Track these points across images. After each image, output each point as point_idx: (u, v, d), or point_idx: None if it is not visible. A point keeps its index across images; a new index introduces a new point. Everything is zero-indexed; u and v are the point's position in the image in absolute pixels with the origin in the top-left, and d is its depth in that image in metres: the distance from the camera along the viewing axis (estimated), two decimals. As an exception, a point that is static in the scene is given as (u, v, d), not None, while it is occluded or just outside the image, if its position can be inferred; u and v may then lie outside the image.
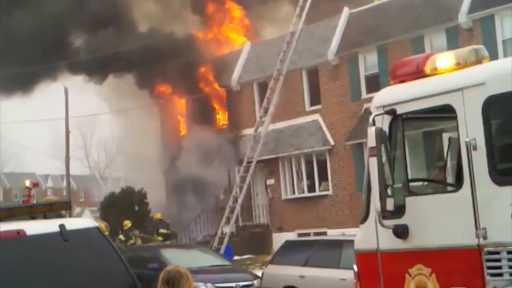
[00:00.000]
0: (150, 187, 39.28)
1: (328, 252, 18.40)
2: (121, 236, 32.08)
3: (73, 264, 8.73)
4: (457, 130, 8.10)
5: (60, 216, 9.57)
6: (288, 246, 20.34)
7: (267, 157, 35.14)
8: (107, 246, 9.13)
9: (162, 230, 32.08)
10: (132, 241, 31.98)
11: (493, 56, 9.43)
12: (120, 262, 9.08)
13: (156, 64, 37.47)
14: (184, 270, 5.97)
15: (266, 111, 35.03)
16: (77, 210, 59.23)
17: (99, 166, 71.23)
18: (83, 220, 10.11)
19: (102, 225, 32.36)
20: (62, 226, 8.70)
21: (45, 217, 9.01)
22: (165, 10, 38.91)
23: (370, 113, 8.77)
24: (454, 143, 8.54)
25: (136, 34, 37.12)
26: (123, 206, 36.74)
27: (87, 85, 42.11)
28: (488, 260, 7.76)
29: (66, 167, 48.11)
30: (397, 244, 8.51)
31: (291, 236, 31.28)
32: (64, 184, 60.68)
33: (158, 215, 32.97)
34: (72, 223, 9.14)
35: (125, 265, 9.08)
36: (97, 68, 39.08)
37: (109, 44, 36.57)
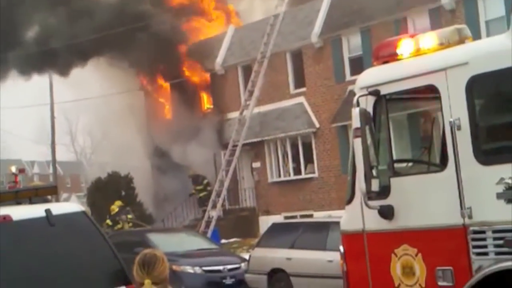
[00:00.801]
0: (137, 172, 39.23)
1: (315, 234, 18.46)
2: (108, 221, 32.08)
3: (60, 249, 8.71)
4: (441, 110, 8.13)
5: (46, 201, 9.55)
6: (275, 229, 20.37)
7: (253, 140, 35.14)
8: (93, 231, 9.12)
9: (107, 221, 32.05)
10: (119, 226, 31.98)
11: (476, 37, 9.44)
12: (107, 246, 9.07)
13: (140, 49, 37.32)
14: (160, 254, 6.20)
15: (251, 94, 35.00)
16: (64, 195, 59.08)
17: (85, 151, 71.08)
18: (69, 205, 10.09)
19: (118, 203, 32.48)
20: (48, 211, 8.67)
21: (31, 202, 8.99)
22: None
23: (354, 95, 8.79)
24: (438, 123, 8.57)
25: (119, 19, 36.92)
26: (110, 191, 36.70)
27: (72, 71, 41.90)
28: (473, 240, 7.81)
29: (52, 153, 48.05)
30: (382, 224, 8.54)
31: (278, 219, 31.31)
32: (51, 170, 60.52)
33: (117, 203, 32.78)
34: (58, 208, 9.11)
35: (112, 249, 9.07)
36: (81, 53, 38.89)
37: (92, 28, 36.40)
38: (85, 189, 39.52)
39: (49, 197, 9.97)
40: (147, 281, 6.00)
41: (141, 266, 6.10)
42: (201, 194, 35.29)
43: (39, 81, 42.79)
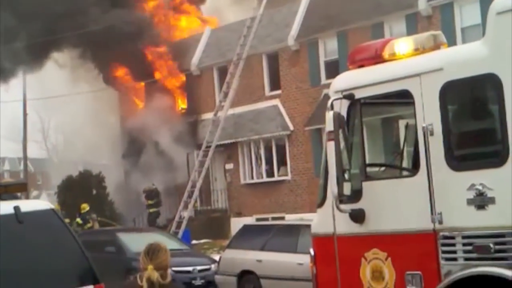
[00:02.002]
0: (108, 171, 39.09)
1: (286, 237, 18.45)
2: (79, 220, 31.91)
3: (28, 246, 8.64)
4: (415, 115, 8.15)
5: (16, 198, 9.45)
6: (246, 230, 20.34)
7: (226, 141, 35.10)
8: (62, 229, 9.05)
9: (78, 220, 31.91)
10: (89, 225, 31.82)
11: (452, 44, 9.48)
12: (76, 245, 9.01)
13: (116, 48, 37.18)
14: (163, 246, 7.07)
15: (225, 95, 34.96)
16: (34, 193, 58.72)
17: (57, 149, 70.60)
18: (38, 202, 10.00)
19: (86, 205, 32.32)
20: (16, 208, 8.60)
21: (0, 198, 8.89)
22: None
23: (329, 98, 8.78)
24: (412, 128, 8.59)
25: (94, 16, 36.76)
26: (81, 189, 36.53)
27: (45, 68, 41.66)
28: (443, 245, 7.83)
29: (24, 149, 47.72)
30: (353, 228, 8.55)
31: (249, 220, 31.31)
32: (22, 167, 60.14)
33: (84, 206, 32.63)
34: (27, 205, 9.03)
35: (80, 248, 9.01)
36: (54, 50, 38.71)
37: (66, 26, 36.20)
38: (56, 187, 39.20)
39: (19, 194, 9.87)
40: (150, 267, 6.85)
41: (146, 254, 6.98)
42: (151, 210, 34.90)
43: (11, 78, 42.43)
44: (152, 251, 7.00)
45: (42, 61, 39.66)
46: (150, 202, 35.05)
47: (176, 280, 7.37)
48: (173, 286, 7.39)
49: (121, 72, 39.99)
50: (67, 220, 29.48)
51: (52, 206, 9.32)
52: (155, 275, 6.85)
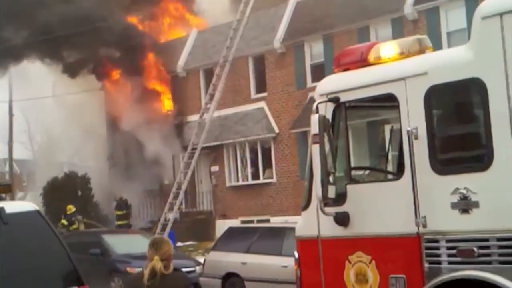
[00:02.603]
0: (94, 172, 39.02)
1: (270, 239, 18.48)
2: (64, 221, 31.83)
3: (13, 248, 8.62)
4: (399, 119, 8.17)
5: (0, 199, 9.43)
6: (231, 233, 20.35)
7: (212, 144, 35.08)
8: (47, 230, 9.04)
9: (63, 221, 31.76)
10: (75, 226, 31.76)
11: (438, 48, 9.52)
12: (60, 246, 9.00)
13: (102, 49, 37.12)
14: (166, 238, 7.87)
15: (211, 98, 34.94)
16: (19, 194, 58.46)
17: (42, 150, 70.26)
18: (23, 203, 10.00)
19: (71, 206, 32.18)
20: (1, 209, 8.59)
21: (-16, 200, 8.87)
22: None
23: (315, 101, 8.80)
24: (396, 132, 8.62)
25: (82, 17, 36.66)
26: (66, 191, 36.46)
27: (32, 68, 41.55)
28: (427, 248, 7.85)
29: (9, 150, 47.57)
30: (338, 231, 8.57)
31: (235, 223, 31.28)
32: (7, 168, 59.88)
33: (69, 207, 32.45)
34: (12, 206, 9.03)
35: (65, 249, 9.00)
36: (41, 51, 38.59)
37: (53, 26, 36.10)
38: (42, 188, 39.10)
39: (3, 195, 9.84)
40: (156, 258, 7.51)
41: (152, 246, 7.62)
42: (119, 222, 34.16)
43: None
44: (157, 243, 7.63)
45: (28, 61, 39.55)
46: (118, 213, 34.45)
47: (180, 270, 7.79)
48: (175, 275, 7.66)
49: (108, 73, 39.90)
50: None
51: (37, 208, 9.31)
52: (159, 265, 7.45)
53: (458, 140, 8.01)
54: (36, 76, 41.64)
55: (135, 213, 37.49)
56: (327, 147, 8.38)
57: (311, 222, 8.85)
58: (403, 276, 8.03)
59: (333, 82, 8.96)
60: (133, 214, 37.29)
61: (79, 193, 37.31)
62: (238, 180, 35.05)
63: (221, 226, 31.24)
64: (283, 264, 16.70)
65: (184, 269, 20.08)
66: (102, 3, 36.97)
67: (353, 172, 8.89)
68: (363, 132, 9.72)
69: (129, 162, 37.24)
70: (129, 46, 36.94)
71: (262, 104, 34.22)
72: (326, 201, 8.36)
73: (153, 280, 7.46)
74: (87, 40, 36.20)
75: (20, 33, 36.69)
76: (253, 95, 34.84)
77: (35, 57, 39.12)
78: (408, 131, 7.96)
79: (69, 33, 35.40)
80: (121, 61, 38.01)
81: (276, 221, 29.21)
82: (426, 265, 7.85)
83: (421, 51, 8.52)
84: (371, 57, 8.66)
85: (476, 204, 7.49)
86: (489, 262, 7.42)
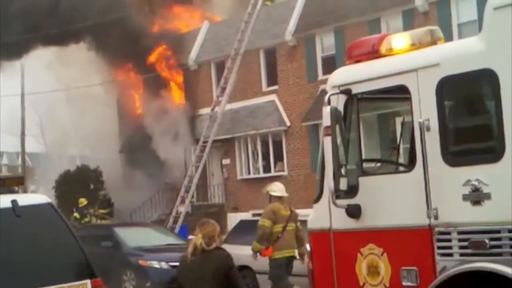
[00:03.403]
0: (106, 166, 39.07)
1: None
2: (76, 214, 31.89)
3: (26, 240, 8.67)
4: (411, 110, 8.14)
5: (13, 192, 9.48)
6: (243, 226, 20.34)
7: (223, 137, 35.08)
8: (60, 223, 9.07)
9: (75, 214, 31.66)
10: (87, 219, 31.81)
11: (449, 40, 9.47)
12: (73, 239, 9.03)
13: (114, 42, 37.14)
14: (212, 221, 8.71)
15: (223, 90, 34.92)
16: (32, 187, 58.61)
17: (55, 143, 70.34)
18: (36, 196, 10.02)
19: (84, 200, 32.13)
20: (14, 202, 8.62)
21: (-2, 192, 8.91)
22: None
23: (326, 94, 8.78)
24: (408, 123, 8.60)
25: (94, 11, 36.70)
26: (78, 184, 36.54)
27: (44, 62, 41.63)
28: (438, 240, 7.83)
29: (22, 144, 47.69)
30: (349, 223, 8.56)
31: (246, 216, 31.28)
32: (20, 161, 60.06)
33: (82, 200, 32.26)
34: (25, 199, 9.06)
35: (77, 242, 9.03)
36: (54, 43, 38.67)
37: (64, 19, 36.16)
38: (54, 182, 39.19)
39: (16, 188, 9.89)
40: (199, 236, 8.47)
41: (198, 226, 8.61)
42: (103, 222, 32.22)
43: (9, 71, 42.39)
44: (202, 224, 8.62)
45: (42, 53, 39.64)
46: (103, 211, 33.33)
47: (221, 248, 8.63)
48: (216, 253, 8.46)
49: (120, 66, 39.92)
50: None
51: (50, 200, 9.34)
52: (199, 241, 8.40)
53: (470, 132, 7.97)
54: (48, 69, 41.67)
55: (147, 206, 37.54)
56: (339, 139, 8.37)
57: (323, 215, 8.84)
58: (415, 268, 8.02)
59: (345, 74, 8.94)
60: (145, 207, 37.37)
61: (91, 186, 37.37)
62: (249, 173, 35.05)
63: (233, 219, 31.26)
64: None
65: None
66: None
67: (365, 164, 8.88)
68: (375, 124, 9.72)
69: (141, 156, 37.26)
70: (142, 39, 36.95)
71: (273, 97, 34.19)
72: (338, 194, 8.35)
73: (195, 255, 8.38)
74: (100, 32, 36.25)
75: (32, 25, 36.75)
76: (265, 88, 34.81)
77: (47, 48, 39.18)
78: (419, 123, 7.94)
79: (83, 25, 35.45)
80: (133, 54, 38.01)
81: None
82: (438, 257, 7.83)
83: (433, 42, 8.49)
84: (383, 49, 8.64)
85: (487, 196, 7.46)
86: (501, 254, 7.40)
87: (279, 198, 15.34)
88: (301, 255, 15.04)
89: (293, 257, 15.20)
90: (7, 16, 36.45)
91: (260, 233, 15.10)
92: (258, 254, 15.41)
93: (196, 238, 8.47)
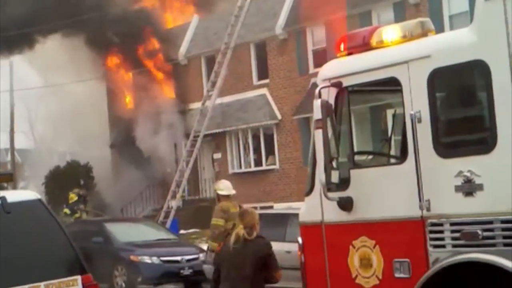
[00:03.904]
0: (96, 161, 39.00)
1: (274, 226, 18.38)
2: (66, 210, 31.77)
3: (15, 237, 8.63)
4: (403, 102, 8.12)
5: (2, 188, 9.43)
6: (234, 219, 20.28)
7: (214, 131, 35.06)
8: (49, 219, 9.03)
9: (65, 210, 31.29)
10: (77, 215, 31.70)
11: (440, 31, 9.44)
12: (63, 235, 8.99)
13: (103, 37, 37.05)
14: (251, 210, 9.38)
15: (213, 85, 34.87)
16: (21, 183, 58.52)
17: (44, 139, 70.21)
18: (25, 193, 9.98)
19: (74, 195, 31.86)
20: (3, 198, 8.57)
21: (-14, 189, 8.86)
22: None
23: (317, 87, 8.76)
24: (400, 116, 8.57)
25: (85, 5, 36.57)
26: (68, 180, 36.42)
27: (33, 57, 41.51)
28: (431, 232, 7.82)
29: (11, 140, 47.59)
30: (341, 216, 8.54)
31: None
32: (9, 157, 59.92)
33: (72, 196, 31.74)
34: (14, 196, 9.02)
35: (67, 238, 8.99)
36: (42, 39, 38.56)
37: (53, 13, 36.04)
38: (44, 178, 39.12)
39: (5, 184, 9.84)
40: (240, 226, 9.04)
41: (239, 216, 9.25)
42: (77, 215, 30.20)
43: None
44: (242, 214, 9.22)
45: (31, 49, 39.51)
46: (66, 210, 30.56)
47: (262, 236, 9.15)
48: (257, 241, 9.01)
49: (110, 61, 39.84)
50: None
51: (39, 197, 9.29)
52: (242, 232, 8.96)
53: (462, 123, 7.96)
54: (36, 65, 41.56)
55: (138, 201, 37.49)
56: (330, 132, 8.35)
57: (315, 208, 8.83)
58: (407, 260, 8.00)
59: (336, 67, 8.92)
60: (136, 202, 37.31)
61: (82, 182, 37.28)
62: (240, 167, 35.04)
63: (224, 213, 31.17)
64: (287, 250, 16.65)
65: (187, 257, 20.17)
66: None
67: (357, 157, 8.86)
68: (366, 116, 9.69)
69: (132, 151, 37.20)
70: (131, 33, 36.85)
71: (264, 90, 34.17)
72: (329, 186, 8.33)
73: (237, 244, 8.93)
74: (90, 27, 36.15)
75: (21, 19, 36.62)
76: (255, 81, 34.79)
77: (35, 44, 39.05)
78: (411, 115, 7.92)
79: (72, 20, 35.33)
80: (122, 49, 37.93)
81: (279, 207, 29.17)
82: (430, 248, 7.82)
83: (424, 34, 8.46)
84: (374, 41, 8.61)
85: (480, 187, 7.45)
86: (493, 245, 7.39)
87: (227, 196, 15.68)
88: None
89: None
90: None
91: (216, 232, 15.37)
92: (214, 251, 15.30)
93: (238, 229, 9.04)
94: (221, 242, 14.81)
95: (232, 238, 9.06)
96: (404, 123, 8.16)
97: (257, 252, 8.93)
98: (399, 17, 27.41)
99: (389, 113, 9.51)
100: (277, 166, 33.43)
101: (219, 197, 15.87)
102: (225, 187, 15.95)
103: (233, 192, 15.89)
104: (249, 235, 8.94)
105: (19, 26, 36.54)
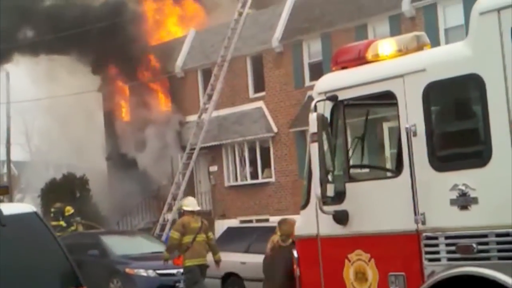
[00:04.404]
0: (92, 174, 38.97)
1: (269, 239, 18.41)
2: (62, 223, 31.69)
3: (11, 250, 8.59)
4: (398, 116, 8.14)
5: (-2, 201, 9.40)
6: (230, 233, 20.33)
7: (210, 144, 35.05)
8: (45, 232, 9.01)
9: (61, 223, 30.96)
10: (73, 228, 31.62)
11: (436, 45, 9.48)
12: (58, 248, 8.96)
13: (100, 50, 37.09)
14: (289, 219, 10.32)
15: (210, 97, 34.90)
16: (18, 196, 58.45)
17: (41, 151, 70.18)
18: (21, 205, 9.94)
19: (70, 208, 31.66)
20: (-1, 211, 8.55)
21: (-19, 201, 8.84)
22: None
23: (313, 100, 8.78)
24: (395, 129, 8.59)
25: (81, 18, 36.63)
26: (64, 192, 36.37)
27: (30, 69, 41.55)
28: (426, 245, 7.83)
29: (7, 152, 47.49)
30: (337, 229, 8.55)
31: (234, 223, 31.27)
32: (5, 170, 59.81)
33: (68, 209, 31.39)
34: (10, 208, 8.98)
35: (63, 251, 8.96)
36: (40, 51, 38.61)
37: (51, 27, 36.12)
38: (40, 190, 39.05)
39: (1, 197, 9.83)
40: (277, 234, 10.15)
41: (278, 224, 10.24)
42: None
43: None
44: (280, 223, 10.30)
45: (27, 61, 39.57)
46: (54, 223, 29.48)
47: None
48: (291, 247, 9.42)
49: (107, 73, 39.86)
50: (55, 223, 29.16)
51: (35, 209, 9.27)
52: (277, 238, 10.11)
53: (457, 137, 7.98)
54: (33, 77, 41.56)
55: (134, 214, 37.45)
56: (325, 145, 8.37)
57: (310, 221, 8.83)
58: (403, 273, 8.01)
59: (331, 80, 8.94)
60: (132, 215, 37.24)
61: (78, 194, 37.23)
62: (236, 180, 35.02)
63: (220, 226, 31.20)
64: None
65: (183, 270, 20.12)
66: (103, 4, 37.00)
67: (352, 170, 8.87)
68: (362, 130, 9.69)
69: (128, 163, 37.18)
70: (127, 46, 36.90)
71: (260, 103, 34.19)
72: (325, 200, 8.34)
73: (273, 250, 10.19)
74: (86, 39, 36.21)
75: (20, 33, 36.70)
76: (251, 94, 34.81)
77: (32, 57, 39.09)
78: (406, 128, 7.94)
79: (69, 33, 35.37)
80: (119, 61, 37.97)
81: (275, 220, 29.13)
82: (426, 262, 7.83)
83: (419, 48, 8.49)
84: (369, 55, 8.65)
85: (475, 200, 7.47)
86: (488, 258, 7.40)
87: (191, 212, 16.71)
88: (217, 262, 17.16)
89: (204, 265, 16.76)
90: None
91: (168, 244, 16.93)
92: (168, 261, 17.21)
93: (275, 236, 10.25)
94: (180, 255, 16.54)
95: (269, 245, 10.42)
96: (400, 136, 8.17)
97: (290, 258, 9.39)
98: (394, 30, 27.50)
99: (385, 126, 9.53)
100: (273, 179, 33.42)
101: (184, 212, 16.93)
102: (190, 203, 16.97)
103: (197, 208, 17.03)
104: (283, 242, 10.08)
105: (15, 38, 36.62)
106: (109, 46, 36.60)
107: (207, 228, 17.14)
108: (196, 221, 16.62)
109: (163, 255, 17.11)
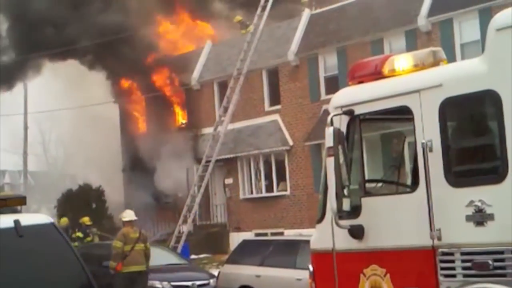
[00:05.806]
0: (108, 185, 39.05)
1: (285, 252, 18.41)
2: (79, 233, 31.75)
3: (28, 261, 8.62)
4: (414, 131, 8.14)
5: (15, 211, 9.44)
6: (245, 245, 20.30)
7: (226, 156, 35.10)
8: (62, 243, 9.04)
9: (78, 234, 30.92)
10: (89, 239, 31.68)
11: (451, 60, 9.49)
12: (75, 259, 8.99)
13: (116, 61, 37.24)
14: None
15: (225, 110, 34.98)
16: (34, 206, 58.65)
17: (57, 162, 70.35)
18: (38, 216, 9.97)
19: (65, 219, 31.78)
20: (17, 222, 8.59)
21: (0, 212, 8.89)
22: (128, 8, 38.59)
23: (329, 114, 8.80)
24: (411, 144, 8.59)
25: (98, 30, 36.79)
26: (80, 203, 36.47)
27: (47, 80, 41.75)
28: (442, 261, 7.81)
29: (24, 162, 47.74)
30: (352, 244, 8.54)
31: (248, 235, 31.26)
32: (22, 180, 60.06)
33: (85, 220, 31.32)
34: (27, 219, 9.01)
35: (80, 262, 9.00)
36: (56, 63, 38.79)
37: (69, 38, 36.30)
38: (56, 201, 39.18)
39: (19, 207, 9.86)
40: None
41: None
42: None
43: (13, 90, 42.54)
44: None
45: (43, 72, 39.76)
46: (79, 234, 29.68)
47: None
48: None
49: (123, 85, 40.02)
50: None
51: (52, 220, 9.31)
52: None
53: (473, 153, 7.97)
54: (51, 88, 41.76)
55: (149, 225, 37.48)
56: (341, 160, 8.36)
57: (326, 235, 8.83)
58: (418, 289, 8.00)
59: (348, 95, 8.95)
60: (147, 226, 37.26)
61: (93, 205, 37.30)
62: (252, 193, 35.04)
63: (235, 238, 31.22)
64: (298, 277, 16.64)
65: (198, 282, 20.16)
66: (120, 17, 37.13)
67: (368, 185, 8.86)
68: (378, 144, 9.69)
69: (143, 175, 37.25)
70: (144, 58, 37.04)
71: (276, 116, 34.24)
72: (340, 214, 8.34)
73: None
74: (104, 51, 36.37)
75: (35, 44, 36.85)
76: (267, 107, 34.86)
77: (50, 67, 39.29)
78: (422, 144, 7.94)
79: (87, 44, 35.55)
80: (135, 73, 38.10)
81: (290, 234, 29.14)
82: (441, 278, 7.81)
83: (436, 63, 8.49)
84: (386, 70, 8.65)
85: (491, 217, 7.45)
86: (504, 275, 7.38)
87: (129, 222, 18.07)
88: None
89: (142, 271, 17.86)
90: (11, 33, 36.56)
91: (114, 253, 17.83)
92: (114, 270, 17.85)
93: None
94: (119, 263, 17.46)
95: None
96: (416, 151, 8.17)
97: None
98: (410, 45, 27.52)
99: (401, 141, 9.52)
100: (288, 192, 33.42)
101: (124, 223, 18.14)
102: (127, 214, 18.36)
103: (134, 218, 18.23)
104: None
105: (33, 49, 36.80)
106: (126, 58, 36.75)
107: (146, 239, 18.43)
108: (135, 232, 17.98)
109: (110, 264, 17.89)
